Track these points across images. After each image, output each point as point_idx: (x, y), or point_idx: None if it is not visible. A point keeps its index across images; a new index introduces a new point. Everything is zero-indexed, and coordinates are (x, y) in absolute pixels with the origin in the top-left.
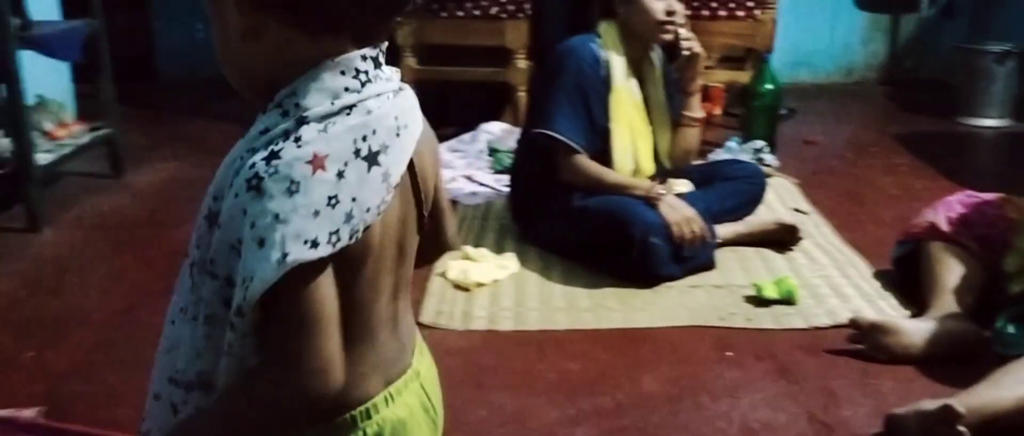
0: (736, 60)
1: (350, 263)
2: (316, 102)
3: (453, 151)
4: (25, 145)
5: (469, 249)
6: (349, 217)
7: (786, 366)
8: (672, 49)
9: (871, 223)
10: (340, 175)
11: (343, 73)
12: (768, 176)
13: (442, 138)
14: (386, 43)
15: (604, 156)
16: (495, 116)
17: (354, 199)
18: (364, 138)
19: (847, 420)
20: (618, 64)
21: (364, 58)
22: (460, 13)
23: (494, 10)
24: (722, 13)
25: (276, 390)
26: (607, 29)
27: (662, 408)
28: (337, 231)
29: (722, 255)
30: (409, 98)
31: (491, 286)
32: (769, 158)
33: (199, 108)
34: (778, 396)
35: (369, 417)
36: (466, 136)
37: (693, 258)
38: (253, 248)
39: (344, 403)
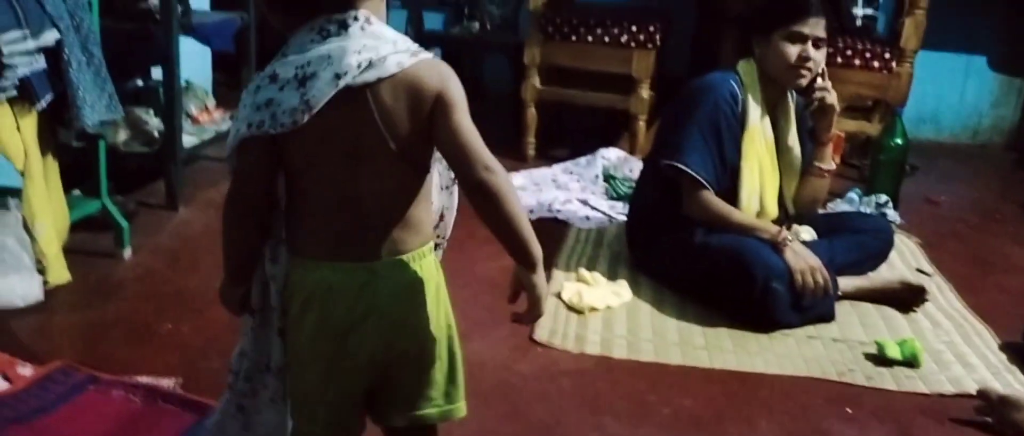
0: (861, 110)
1: (281, 144)
2: (292, 47)
3: (568, 173)
4: (175, 127)
5: (584, 272)
6: (266, 114)
7: (908, 431)
8: (807, 95)
9: (996, 291)
10: (272, 81)
11: (312, 30)
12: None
13: (556, 159)
14: (361, 10)
15: (731, 194)
16: (611, 142)
17: (271, 103)
18: (301, 67)
19: None
20: (754, 103)
21: (329, 21)
22: (589, 38)
23: (624, 38)
24: (857, 62)
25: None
26: (746, 68)
27: None
28: (260, 122)
29: (841, 308)
30: (342, 70)
31: (604, 312)
32: (892, 214)
33: None
34: None
35: (297, 268)
36: (582, 160)
37: (812, 308)
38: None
39: (292, 246)
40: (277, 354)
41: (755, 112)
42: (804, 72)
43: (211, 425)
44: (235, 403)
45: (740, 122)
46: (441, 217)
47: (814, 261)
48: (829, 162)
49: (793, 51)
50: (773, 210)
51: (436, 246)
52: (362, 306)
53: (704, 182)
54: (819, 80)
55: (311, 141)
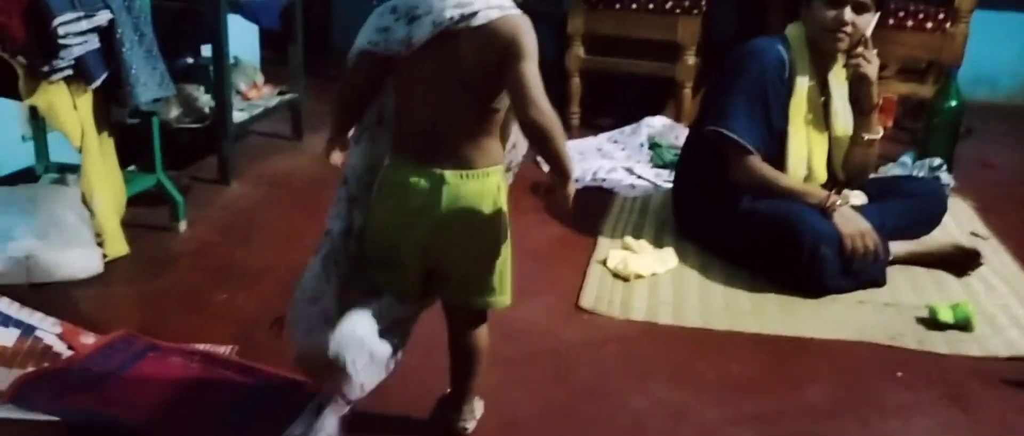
0: (915, 72)
1: (383, 60)
2: None
3: (613, 142)
4: (225, 103)
5: (629, 240)
6: (383, 37)
7: (960, 394)
8: (849, 61)
9: None
10: (392, 13)
11: None
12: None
13: (601, 128)
14: None
15: (779, 159)
16: (657, 110)
17: (388, 30)
18: (413, 8)
19: None
20: (801, 68)
21: None
22: (633, 6)
23: (668, 5)
24: (909, 23)
25: None
26: (795, 32)
27: (826, 421)
28: (376, 42)
29: (892, 273)
30: (431, 20)
31: (649, 278)
32: (946, 178)
33: None
34: (951, 423)
35: (396, 164)
36: (627, 128)
37: (862, 273)
38: None
39: (393, 145)
40: (358, 220)
41: (803, 77)
42: (841, 36)
43: (305, 276)
44: (323, 258)
45: (788, 87)
46: (514, 145)
47: (864, 225)
48: (874, 131)
49: (830, 14)
50: (822, 175)
51: (507, 169)
52: (429, 201)
53: (750, 147)
54: (860, 48)
55: (410, 67)
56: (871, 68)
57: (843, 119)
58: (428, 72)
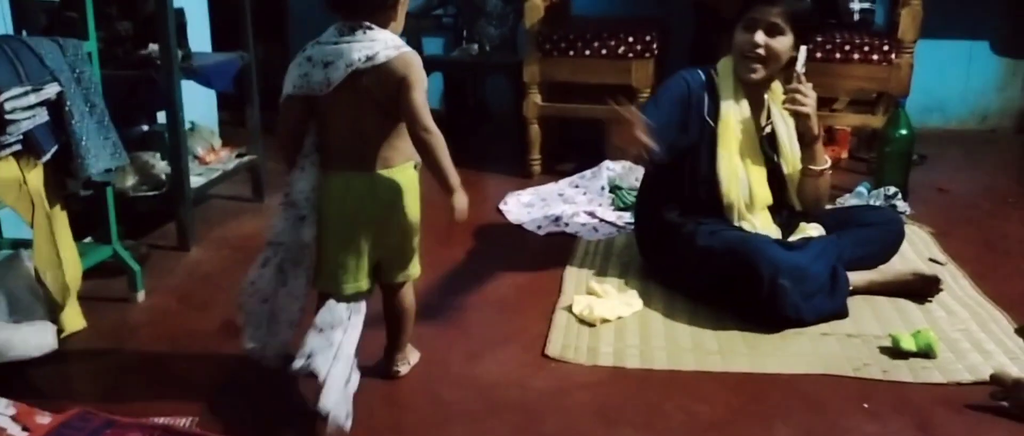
0: (865, 103)
1: (308, 101)
2: (324, 36)
3: (574, 187)
4: (182, 169)
5: (594, 284)
6: (304, 81)
7: (926, 422)
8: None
9: (1013, 276)
10: (308, 61)
11: (339, 27)
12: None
13: (563, 174)
14: (366, 21)
15: (712, 180)
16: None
17: (307, 75)
18: (326, 57)
19: None
20: (726, 93)
21: (347, 25)
22: (587, 52)
23: (621, 50)
24: (856, 57)
25: None
26: (724, 63)
27: None
28: (300, 87)
29: (854, 303)
30: (340, 62)
31: (615, 323)
32: (902, 205)
33: None
34: None
35: (327, 175)
36: (587, 172)
37: (819, 302)
38: None
39: (323, 163)
40: (308, 234)
41: (728, 102)
42: (754, 60)
43: (248, 280)
44: (276, 265)
45: (714, 108)
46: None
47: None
48: (821, 162)
49: (743, 39)
50: (765, 198)
51: (415, 165)
52: (368, 196)
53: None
54: (794, 83)
55: (332, 101)
56: (808, 101)
57: (791, 153)
58: (347, 101)
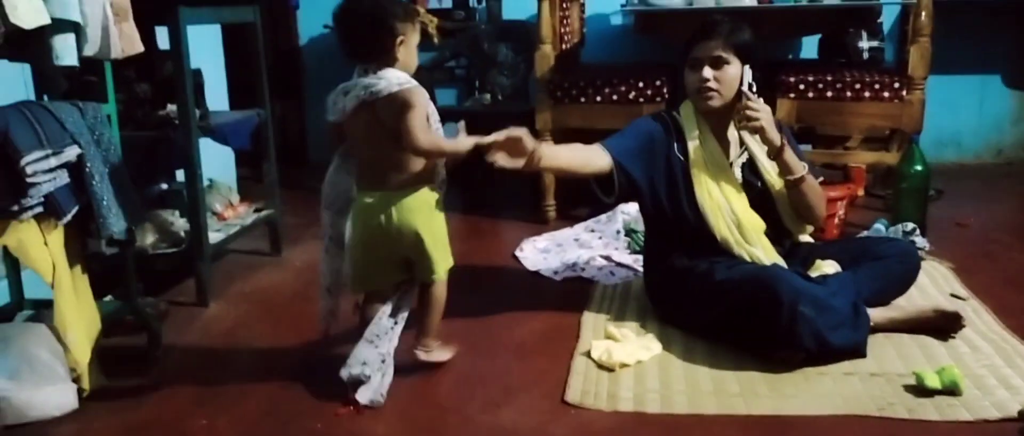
0: (879, 141)
1: (341, 126)
2: (353, 76)
3: (590, 231)
4: (200, 226)
5: (612, 328)
6: (334, 108)
7: None
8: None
9: None
10: (339, 93)
11: (359, 70)
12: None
13: (577, 218)
14: (374, 64)
15: (698, 218)
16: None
17: (335, 104)
18: (348, 90)
19: None
20: (690, 128)
21: (363, 68)
22: (598, 98)
23: (631, 95)
24: (867, 95)
25: None
26: (685, 104)
27: None
28: (330, 111)
29: (876, 341)
30: (371, 88)
31: (635, 367)
32: (920, 241)
33: None
34: None
35: (358, 192)
36: (602, 217)
37: (844, 333)
38: None
39: (356, 180)
40: (335, 248)
41: (693, 141)
42: (708, 94)
43: (322, 274)
44: (332, 267)
45: (682, 151)
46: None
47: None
48: (794, 170)
49: (692, 77)
50: (755, 224)
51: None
52: (384, 216)
53: (603, 145)
54: (744, 100)
55: (353, 127)
56: (760, 115)
57: (772, 172)
58: (364, 129)
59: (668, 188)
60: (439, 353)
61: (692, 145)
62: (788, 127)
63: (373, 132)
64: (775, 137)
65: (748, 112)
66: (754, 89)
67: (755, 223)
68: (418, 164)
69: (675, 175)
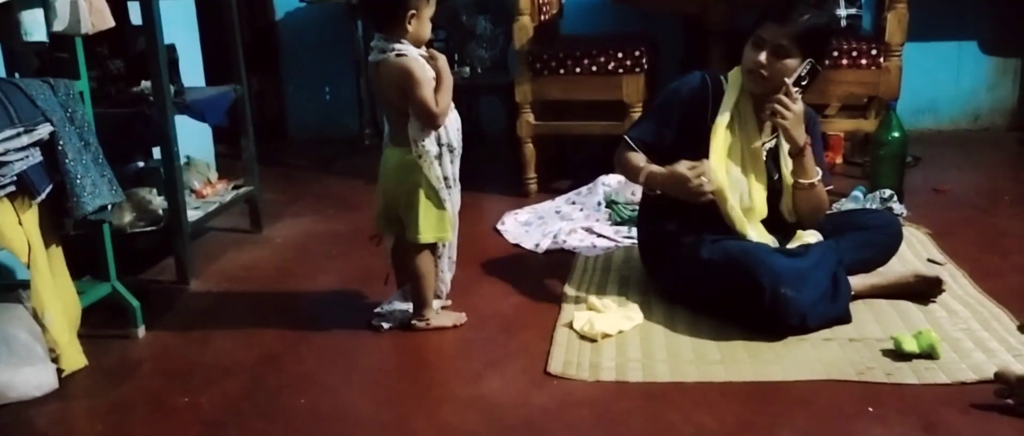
0: (857, 108)
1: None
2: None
3: (571, 204)
4: (178, 204)
5: (594, 299)
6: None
7: (933, 422)
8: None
9: (1012, 273)
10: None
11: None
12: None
13: (559, 191)
14: (385, 33)
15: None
16: (611, 169)
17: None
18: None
19: None
20: (728, 101)
21: (378, 36)
22: (577, 70)
23: (611, 65)
24: (845, 62)
25: None
26: (734, 72)
27: None
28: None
29: (856, 307)
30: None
31: (617, 337)
32: (898, 208)
33: (327, 165)
34: None
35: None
36: (583, 189)
37: (824, 307)
38: None
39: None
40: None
41: (725, 111)
42: (757, 77)
43: None
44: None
45: (712, 113)
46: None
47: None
48: (808, 175)
49: (750, 55)
50: (761, 211)
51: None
52: (389, 167)
53: (629, 141)
54: (779, 95)
55: (374, 86)
56: (788, 114)
57: (789, 167)
58: (378, 89)
59: (693, 150)
60: (440, 319)
61: (722, 114)
62: (820, 132)
63: (383, 94)
64: (799, 137)
65: (779, 107)
66: (803, 83)
67: (761, 211)
68: (415, 126)
69: (703, 139)
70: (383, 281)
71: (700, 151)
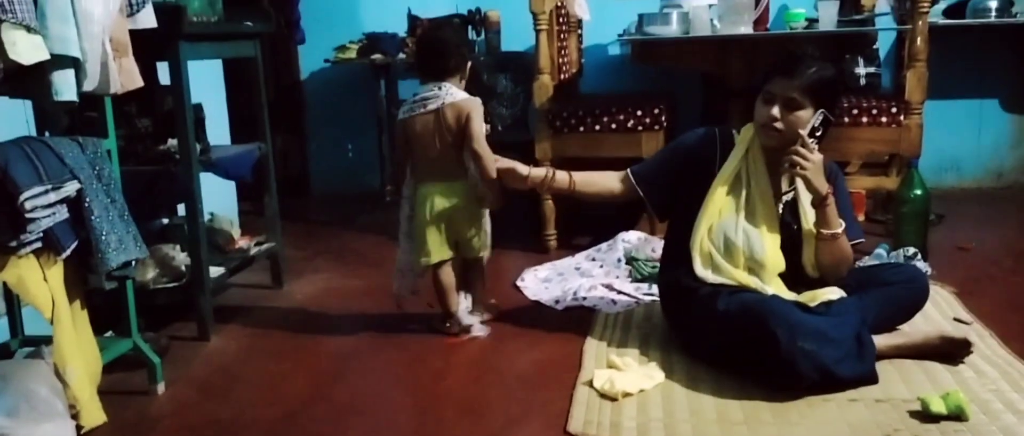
0: (878, 165)
1: (403, 132)
2: (421, 89)
3: (591, 260)
4: (201, 260)
5: (614, 357)
6: (407, 112)
7: None
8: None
9: None
10: (412, 100)
11: (425, 84)
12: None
13: (579, 248)
14: (436, 79)
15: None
16: (631, 225)
17: (410, 109)
18: (415, 98)
19: None
20: (737, 154)
21: (427, 83)
22: (597, 127)
23: (630, 123)
24: (864, 120)
25: None
26: (747, 128)
27: None
28: (402, 113)
29: (881, 367)
30: (432, 103)
31: (638, 396)
32: (923, 265)
33: (349, 222)
34: None
35: (423, 186)
36: (603, 245)
37: (849, 365)
38: None
39: (415, 179)
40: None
41: (731, 162)
42: (770, 132)
43: (399, 259)
44: (408, 250)
45: (719, 164)
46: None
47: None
48: (829, 226)
49: (762, 110)
50: (777, 264)
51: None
52: (447, 199)
53: (628, 172)
54: (796, 146)
55: (418, 129)
56: (807, 164)
57: (811, 218)
58: (423, 131)
59: (699, 200)
60: (479, 328)
61: (728, 166)
62: (845, 188)
63: (436, 134)
64: (821, 187)
65: (797, 158)
66: (818, 134)
67: (777, 264)
68: (469, 162)
69: (684, 168)
70: (426, 306)
71: (700, 205)
